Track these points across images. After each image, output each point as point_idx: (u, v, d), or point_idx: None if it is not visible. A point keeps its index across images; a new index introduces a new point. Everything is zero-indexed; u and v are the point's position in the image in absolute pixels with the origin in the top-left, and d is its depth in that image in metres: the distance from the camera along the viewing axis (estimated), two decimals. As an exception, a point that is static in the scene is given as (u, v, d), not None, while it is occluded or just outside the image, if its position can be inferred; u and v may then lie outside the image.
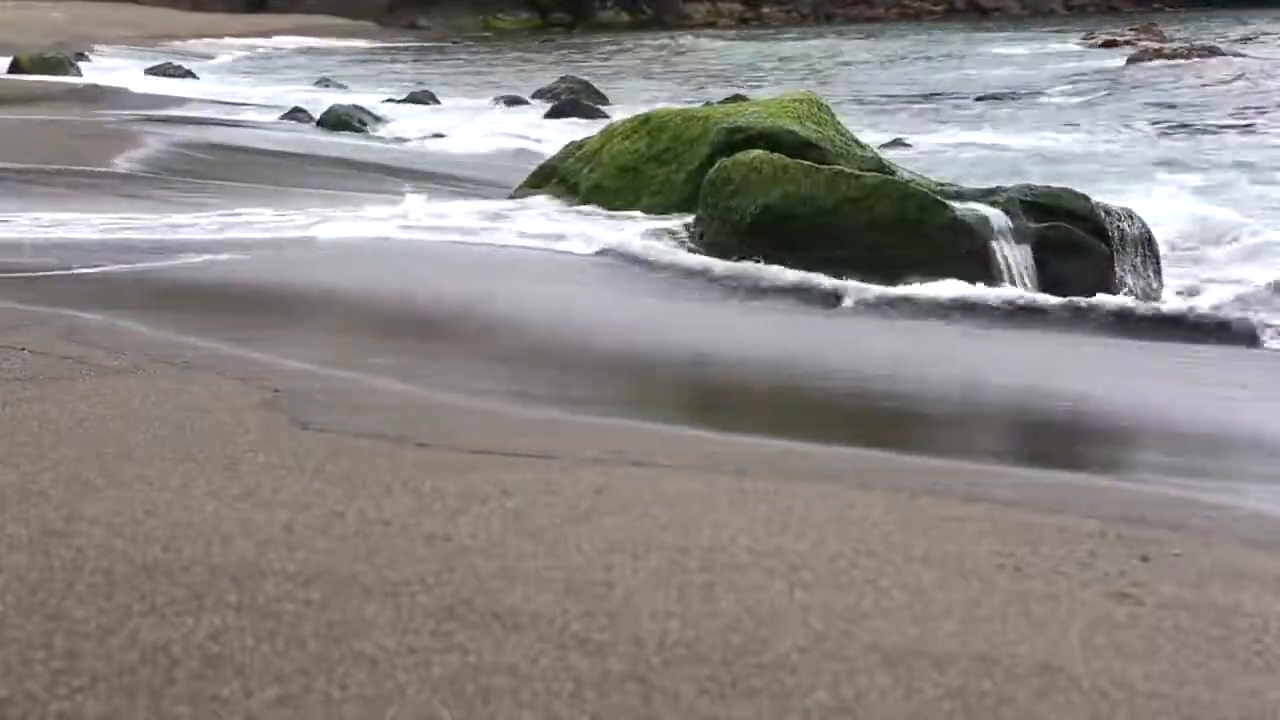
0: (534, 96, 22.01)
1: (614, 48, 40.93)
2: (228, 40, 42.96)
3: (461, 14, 57.53)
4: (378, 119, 17.26)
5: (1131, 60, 26.53)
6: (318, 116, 16.76)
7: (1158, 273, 7.58)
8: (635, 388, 5.06)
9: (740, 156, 7.82)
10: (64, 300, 5.22)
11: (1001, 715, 1.97)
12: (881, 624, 2.26)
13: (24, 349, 4.17)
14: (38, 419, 3.38)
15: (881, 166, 8.32)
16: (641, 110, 10.61)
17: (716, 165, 7.91)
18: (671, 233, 7.98)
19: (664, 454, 3.34)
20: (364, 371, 4.36)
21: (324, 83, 26.48)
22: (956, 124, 18.44)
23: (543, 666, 2.05)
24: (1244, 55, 26.73)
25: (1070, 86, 23.11)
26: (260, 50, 40.52)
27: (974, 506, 2.98)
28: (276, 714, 1.89)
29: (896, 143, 14.60)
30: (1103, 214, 7.47)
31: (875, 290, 6.87)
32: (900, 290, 6.85)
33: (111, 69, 27.93)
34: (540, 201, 9.08)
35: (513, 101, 21.47)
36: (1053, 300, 6.81)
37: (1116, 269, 7.31)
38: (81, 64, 26.21)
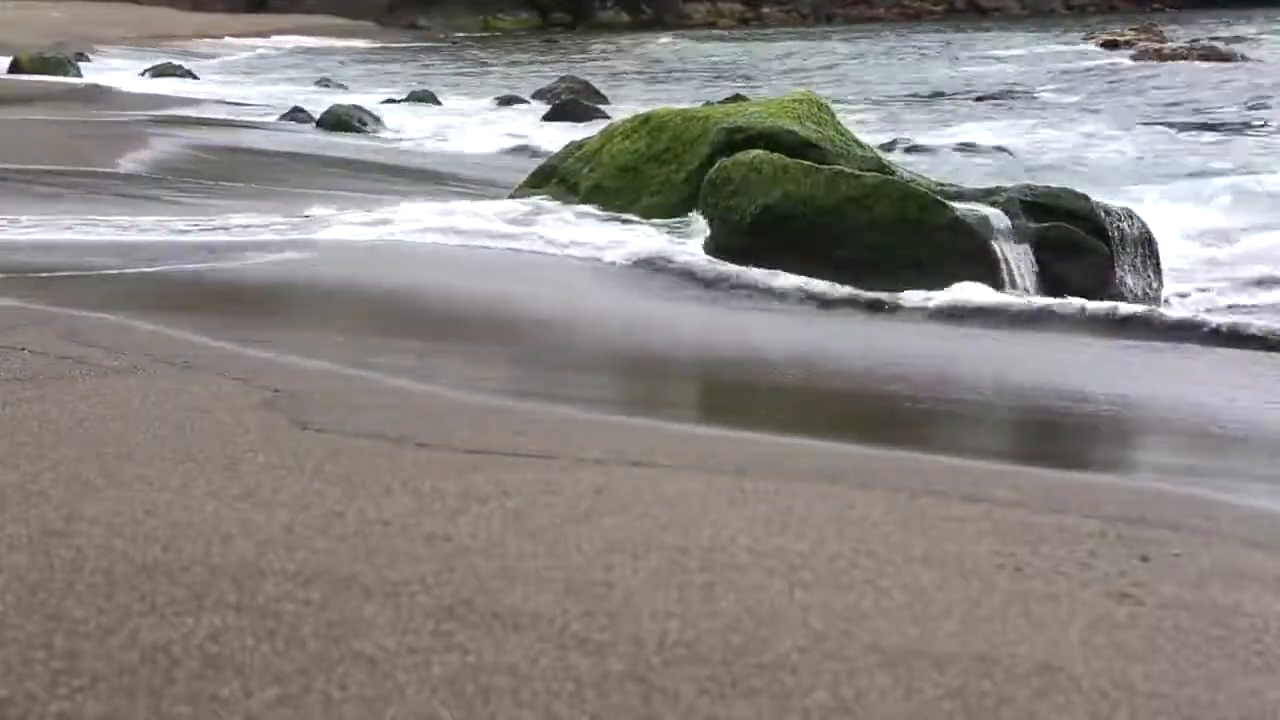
0: (534, 97, 22.02)
1: (614, 48, 40.93)
2: (228, 40, 42.97)
3: (461, 14, 57.53)
4: (378, 119, 17.26)
5: (1132, 60, 26.54)
6: (318, 117, 16.78)
7: (1158, 272, 7.58)
8: (635, 388, 5.06)
9: (740, 156, 7.82)
10: (78, 301, 5.21)
11: (1001, 715, 1.97)
12: (881, 624, 2.26)
13: (24, 349, 4.16)
14: (38, 419, 3.38)
15: (881, 166, 8.32)
16: (641, 110, 10.60)
17: (716, 165, 7.91)
18: (672, 232, 7.99)
19: (664, 454, 3.34)
20: (365, 370, 4.36)
21: (324, 83, 26.49)
22: (956, 124, 18.43)
23: (543, 666, 2.05)
24: (1244, 55, 26.74)
25: (1070, 87, 23.12)
26: (260, 50, 40.51)
27: (974, 506, 2.98)
28: (276, 714, 1.89)
29: (915, 149, 14.57)
30: (1103, 214, 7.48)
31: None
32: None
33: (111, 69, 27.94)
34: (539, 201, 9.07)
35: (513, 102, 21.49)
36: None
37: (1116, 269, 7.31)
38: (81, 64, 26.21)
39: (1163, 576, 2.57)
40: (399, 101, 21.02)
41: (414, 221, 8.28)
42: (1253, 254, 8.45)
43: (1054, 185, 8.09)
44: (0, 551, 2.43)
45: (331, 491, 2.86)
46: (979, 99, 22.64)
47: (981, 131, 17.00)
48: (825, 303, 6.84)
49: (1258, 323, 6.44)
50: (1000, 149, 15.17)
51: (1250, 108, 18.97)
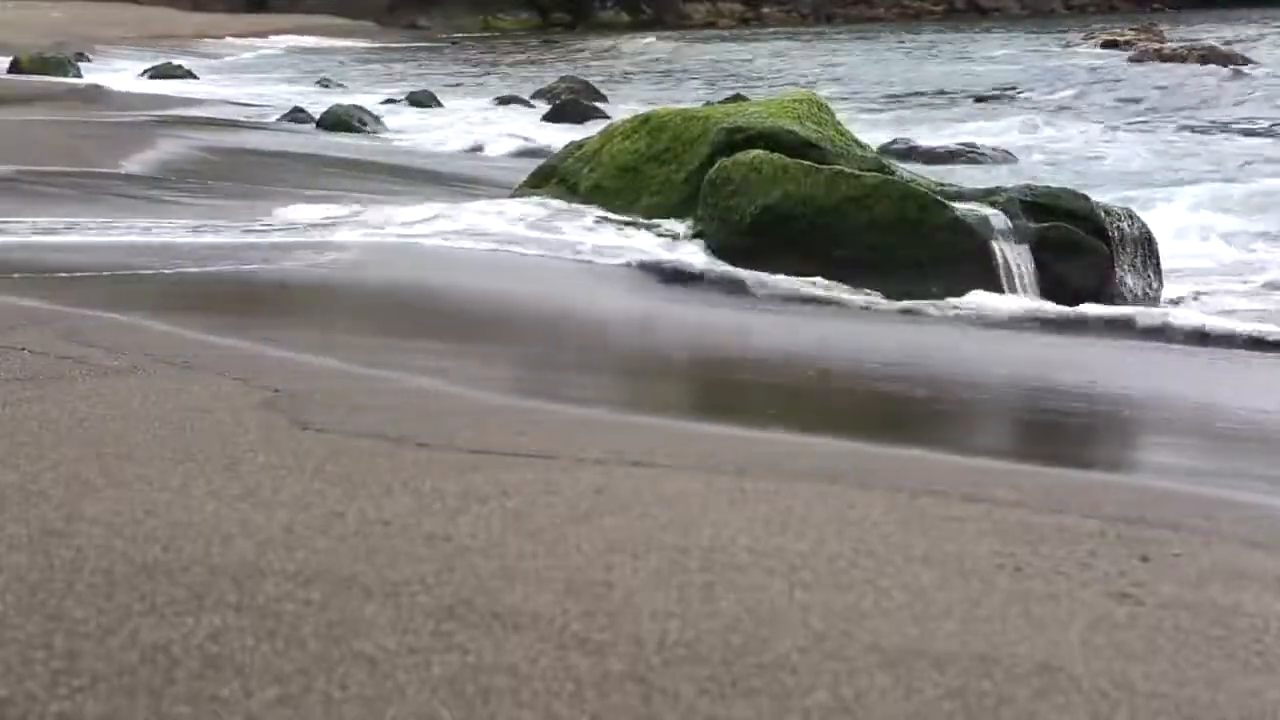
0: (534, 97, 22.03)
1: (614, 48, 40.93)
2: (228, 40, 42.99)
3: (461, 14, 57.56)
4: (378, 119, 17.27)
5: (1132, 61, 26.54)
6: (318, 117, 16.78)
7: (1158, 273, 7.58)
8: (635, 388, 5.06)
9: (740, 156, 7.82)
10: (78, 301, 5.21)
11: (1001, 715, 1.97)
12: (881, 624, 2.26)
13: (24, 349, 4.16)
14: (38, 419, 3.38)
15: (881, 167, 8.32)
16: (641, 110, 10.60)
17: (716, 165, 7.91)
18: (674, 235, 7.99)
19: (664, 454, 3.34)
20: (365, 370, 4.36)
21: (324, 83, 26.51)
22: (956, 124, 18.43)
23: (543, 666, 2.05)
24: (1244, 55, 26.74)
25: (1070, 87, 23.10)
26: (260, 50, 40.53)
27: (974, 506, 2.98)
28: (276, 714, 1.89)
29: (914, 149, 14.54)
30: (1102, 214, 7.48)
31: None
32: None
33: (112, 69, 27.95)
34: (540, 201, 9.07)
35: (513, 102, 21.49)
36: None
37: (1116, 269, 7.31)
38: (81, 64, 26.22)
39: (1163, 576, 2.57)
40: (399, 102, 21.03)
41: (411, 222, 8.29)
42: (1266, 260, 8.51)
43: (1053, 185, 8.09)
44: (0, 551, 2.43)
45: (332, 491, 2.86)
46: (979, 99, 22.64)
47: (981, 132, 17.01)
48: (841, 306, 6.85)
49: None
50: (1000, 149, 15.17)
51: (1251, 108, 18.97)
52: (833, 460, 3.47)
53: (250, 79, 28.76)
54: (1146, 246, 7.57)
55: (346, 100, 19.76)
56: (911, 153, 14.15)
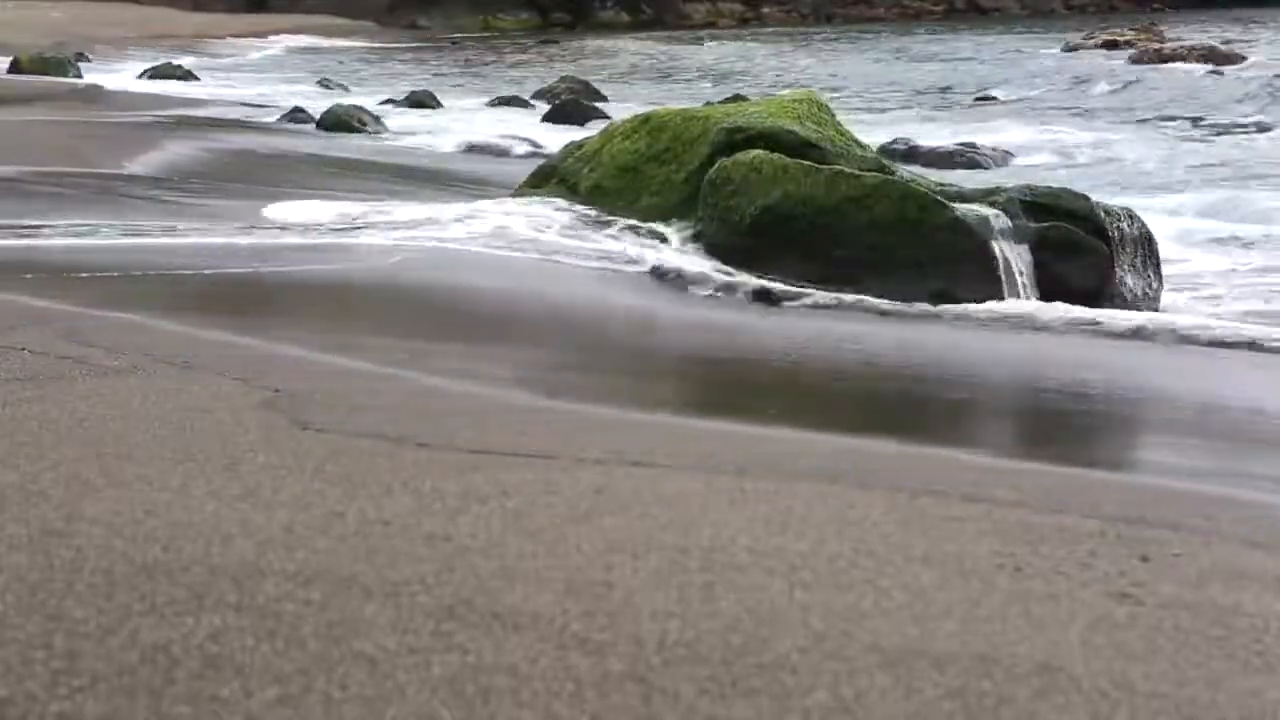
0: (534, 97, 22.04)
1: (613, 48, 40.92)
2: (228, 40, 43.00)
3: (461, 14, 57.58)
4: (378, 119, 17.28)
5: (1132, 61, 26.53)
6: (318, 117, 16.79)
7: (1158, 273, 7.58)
8: (635, 388, 5.06)
9: (740, 156, 7.81)
10: (78, 300, 5.21)
11: (1001, 715, 1.97)
12: (881, 624, 2.26)
13: (24, 349, 4.16)
14: (38, 419, 3.38)
15: (881, 167, 8.32)
16: (641, 110, 10.60)
17: (716, 165, 7.90)
18: (674, 236, 7.99)
19: (664, 454, 3.34)
20: (365, 370, 4.36)
21: (324, 83, 26.52)
22: (956, 124, 18.44)
23: (543, 666, 2.05)
24: (1244, 55, 26.74)
25: (1069, 88, 23.11)
26: (260, 50, 40.54)
27: (974, 506, 2.98)
28: (276, 714, 1.89)
29: (914, 149, 14.52)
30: (1102, 214, 7.47)
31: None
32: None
33: (112, 70, 27.96)
34: (538, 201, 9.07)
35: (512, 102, 21.49)
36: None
37: (1116, 269, 7.31)
38: (81, 64, 26.22)
39: (1163, 576, 2.57)
40: (399, 102, 21.04)
41: (408, 222, 8.30)
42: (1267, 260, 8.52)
43: (1053, 185, 8.09)
44: (0, 551, 2.43)
45: (332, 491, 2.86)
46: (978, 99, 22.64)
47: (981, 131, 17.01)
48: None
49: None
50: (1000, 149, 15.17)
51: (1252, 109, 18.97)
52: (833, 460, 3.47)
53: (250, 79, 28.77)
54: (1146, 246, 7.56)
55: (346, 100, 19.77)
56: (911, 153, 14.16)
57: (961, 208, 7.34)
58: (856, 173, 7.60)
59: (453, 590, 2.33)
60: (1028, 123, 18.57)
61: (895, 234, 7.23)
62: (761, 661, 2.10)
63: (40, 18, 40.83)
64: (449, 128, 17.36)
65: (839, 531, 2.74)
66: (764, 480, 3.12)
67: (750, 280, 7.17)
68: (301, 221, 8.33)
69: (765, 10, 59.62)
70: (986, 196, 7.60)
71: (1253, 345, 6.28)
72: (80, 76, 23.75)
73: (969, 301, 6.95)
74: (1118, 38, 32.42)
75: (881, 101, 23.05)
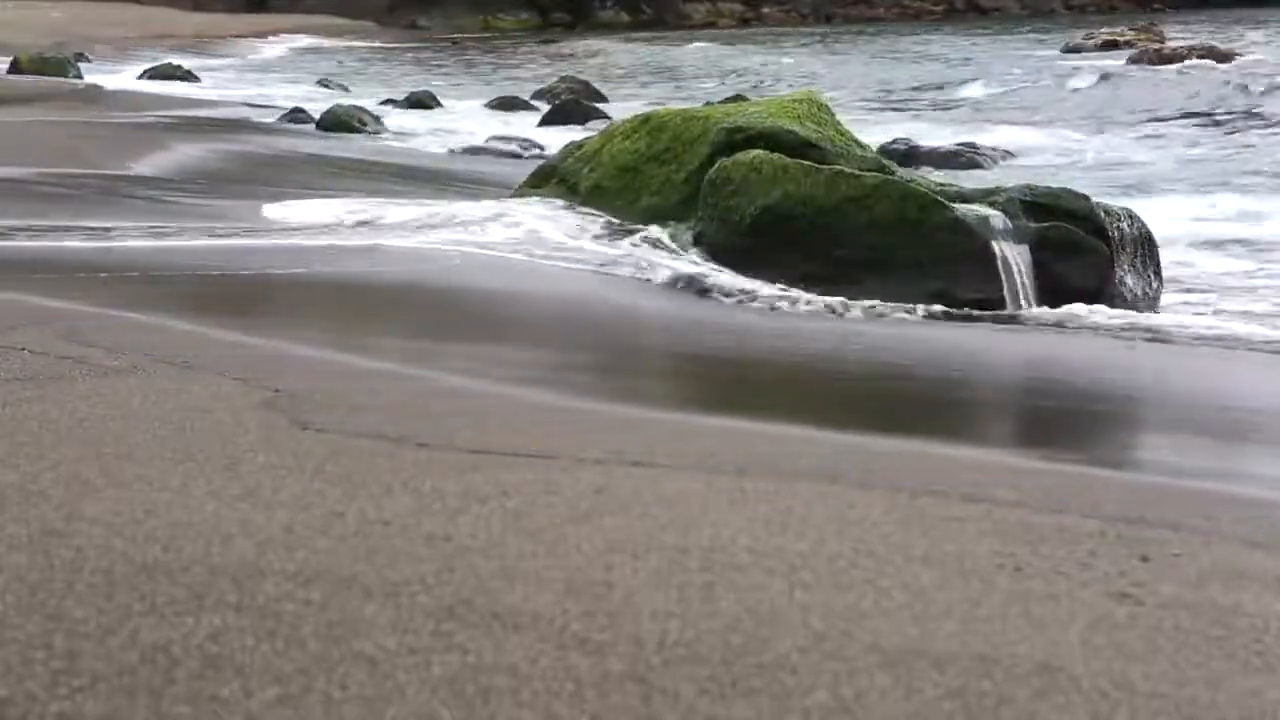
0: (534, 97, 22.05)
1: (613, 48, 40.93)
2: (228, 40, 43.01)
3: (461, 14, 57.61)
4: (378, 119, 17.29)
5: (1131, 61, 26.53)
6: (318, 117, 16.79)
7: (1158, 273, 7.58)
8: (636, 389, 5.06)
9: (740, 156, 7.81)
10: (79, 300, 5.21)
11: (1001, 715, 1.97)
12: (881, 624, 2.26)
13: (24, 349, 4.16)
14: (38, 419, 3.38)
15: (881, 167, 8.32)
16: (641, 110, 10.60)
17: (716, 165, 7.90)
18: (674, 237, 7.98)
19: (664, 454, 3.34)
20: (365, 370, 4.36)
21: (324, 83, 26.54)
22: (956, 124, 18.44)
23: (543, 666, 2.05)
24: (1244, 55, 26.74)
25: (1069, 88, 23.09)
26: (260, 50, 40.55)
27: (974, 506, 2.98)
28: (276, 714, 1.89)
29: (914, 149, 14.47)
30: (1102, 214, 7.47)
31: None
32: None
33: (112, 70, 27.98)
34: (537, 200, 9.07)
35: (512, 102, 21.50)
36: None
37: (1116, 269, 7.31)
38: (81, 64, 26.23)
39: (1163, 576, 2.57)
40: (399, 102, 21.05)
41: (405, 221, 8.32)
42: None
43: (1054, 185, 8.09)
44: (0, 551, 2.43)
45: (331, 491, 2.86)
46: (977, 99, 22.64)
47: (981, 132, 17.02)
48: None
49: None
50: (1000, 149, 15.17)
51: (1253, 109, 18.97)
52: (833, 460, 3.47)
53: (250, 79, 28.78)
54: (1146, 247, 7.56)
55: (346, 101, 19.78)
56: (911, 153, 14.15)
57: (962, 208, 7.34)
58: (856, 173, 7.59)
59: (453, 590, 2.33)
60: (1027, 123, 18.57)
61: (895, 234, 7.23)
62: (761, 661, 2.10)
63: (40, 18, 40.85)
64: (449, 128, 17.38)
65: (839, 531, 2.74)
66: (764, 480, 3.12)
67: (763, 288, 7.16)
68: (303, 222, 8.34)
69: (765, 10, 59.65)
70: (986, 196, 7.59)
71: (1252, 345, 6.28)
72: (80, 77, 23.76)
73: (969, 301, 6.96)
74: (1117, 38, 32.42)
75: (881, 101, 23.06)
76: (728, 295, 7.04)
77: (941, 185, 7.99)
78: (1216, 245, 9.25)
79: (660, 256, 7.64)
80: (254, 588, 2.30)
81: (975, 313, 6.88)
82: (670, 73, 31.75)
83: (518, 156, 14.14)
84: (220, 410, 3.55)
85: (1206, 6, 50.30)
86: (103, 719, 1.86)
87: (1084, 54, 30.93)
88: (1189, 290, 7.84)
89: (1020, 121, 18.80)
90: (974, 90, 23.84)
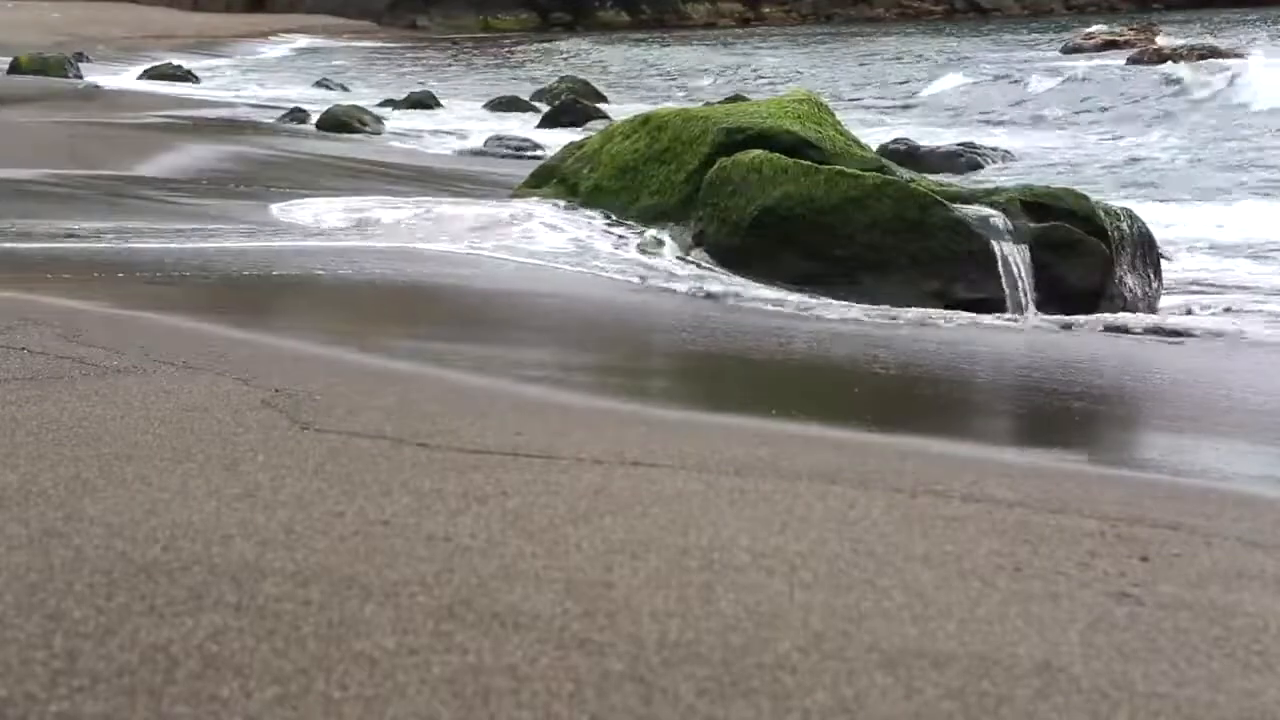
0: (533, 97, 22.04)
1: (613, 48, 40.94)
2: (228, 40, 43.02)
3: (461, 14, 57.61)
4: (378, 119, 17.29)
5: (1131, 61, 26.51)
6: (317, 118, 16.80)
7: (1157, 273, 7.58)
8: (636, 389, 5.06)
9: (740, 156, 7.82)
10: (79, 300, 5.21)
11: (1001, 715, 1.97)
12: (881, 624, 2.26)
13: (24, 349, 4.16)
14: (38, 419, 3.38)
15: (881, 167, 8.32)
16: (641, 110, 10.61)
17: (716, 165, 7.91)
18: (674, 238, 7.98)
19: (664, 454, 3.34)
20: (365, 370, 4.36)
21: (324, 83, 26.54)
22: (956, 124, 18.44)
23: (543, 666, 2.05)
24: (1244, 55, 26.73)
25: (1069, 88, 23.08)
26: (260, 51, 40.56)
27: (974, 506, 2.98)
28: (276, 714, 1.89)
29: (914, 149, 14.44)
30: (1102, 214, 7.47)
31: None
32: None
33: (111, 70, 27.98)
34: (536, 200, 9.08)
35: (512, 102, 21.50)
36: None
37: (1116, 269, 7.31)
38: (81, 64, 26.24)
39: (1163, 576, 2.57)
40: (398, 103, 21.05)
41: (396, 221, 8.32)
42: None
43: (1054, 185, 8.10)
44: (0, 551, 2.43)
45: (331, 491, 2.86)
46: (978, 99, 22.63)
47: (981, 132, 17.01)
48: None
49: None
50: (1000, 149, 15.17)
51: (1251, 109, 18.96)
52: (833, 460, 3.47)
53: (250, 79, 28.79)
54: (1146, 247, 7.56)
55: (346, 101, 19.79)
56: (911, 153, 14.15)
57: (962, 208, 7.34)
58: (856, 173, 7.60)
59: (453, 590, 2.33)
60: (1027, 124, 18.57)
61: (895, 234, 7.23)
62: (761, 661, 2.10)
63: (40, 18, 40.86)
64: (449, 128, 17.39)
65: (839, 531, 2.74)
66: (764, 480, 3.12)
67: (763, 288, 7.16)
68: (304, 223, 8.34)
69: (765, 10, 59.65)
70: (987, 197, 7.60)
71: (1251, 344, 6.29)
72: (80, 77, 23.77)
73: (969, 301, 6.96)
74: (1117, 38, 32.40)
75: (881, 101, 23.05)
76: (727, 295, 7.04)
77: (941, 185, 8.00)
78: (1216, 245, 9.26)
79: (660, 256, 7.65)
80: (254, 588, 2.30)
81: (975, 312, 6.88)
82: (670, 72, 31.74)
83: (518, 157, 14.15)
84: (220, 410, 3.55)
85: (1207, 6, 50.30)
86: (102, 719, 1.86)
87: (1083, 54, 30.91)
88: (1192, 289, 7.85)
89: (1019, 122, 18.79)
90: (974, 91, 23.83)
